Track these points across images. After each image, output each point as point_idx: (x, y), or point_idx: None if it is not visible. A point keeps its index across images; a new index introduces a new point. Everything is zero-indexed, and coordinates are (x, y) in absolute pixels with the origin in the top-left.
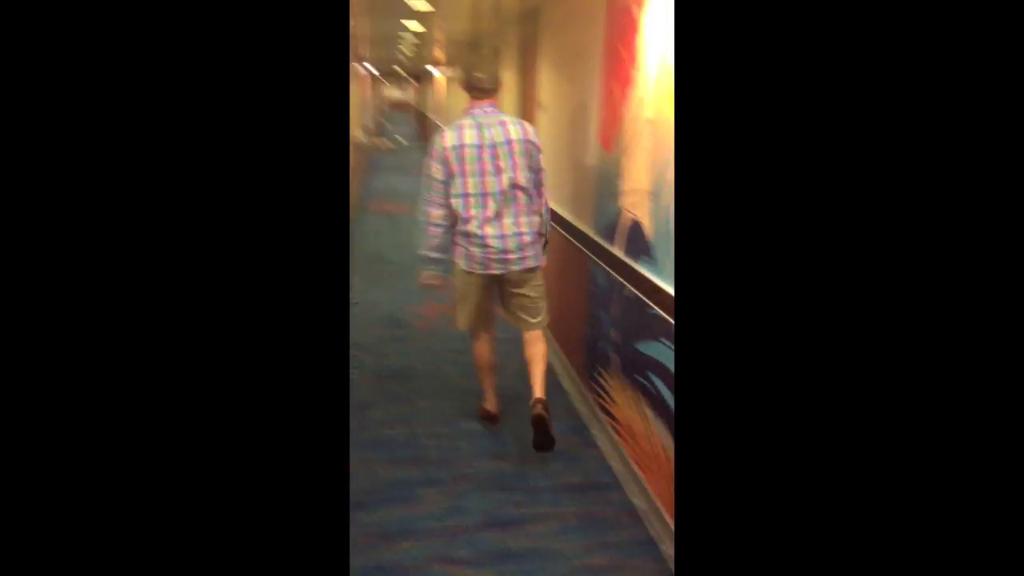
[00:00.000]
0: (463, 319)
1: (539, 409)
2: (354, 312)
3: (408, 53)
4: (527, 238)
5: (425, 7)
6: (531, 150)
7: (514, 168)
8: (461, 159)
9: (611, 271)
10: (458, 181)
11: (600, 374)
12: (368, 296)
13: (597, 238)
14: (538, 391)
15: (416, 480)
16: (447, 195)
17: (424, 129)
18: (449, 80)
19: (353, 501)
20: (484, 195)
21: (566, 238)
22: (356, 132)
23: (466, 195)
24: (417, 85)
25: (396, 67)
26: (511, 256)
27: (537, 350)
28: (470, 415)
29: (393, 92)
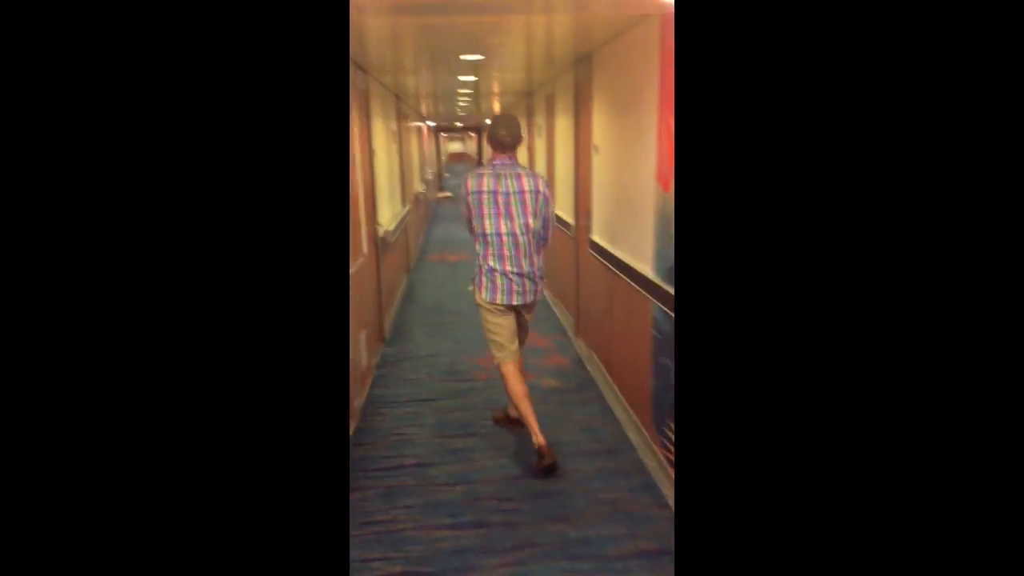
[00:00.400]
0: (500, 353)
1: (550, 460)
2: (415, 365)
3: (464, 106)
4: (537, 274)
5: (477, 57)
6: (540, 199)
7: (524, 214)
8: (480, 203)
9: (675, 316)
10: (477, 222)
11: (669, 427)
12: (428, 347)
13: (658, 281)
14: (541, 437)
15: (477, 547)
16: (470, 227)
17: None
18: None
19: (410, 571)
20: (499, 235)
21: (625, 281)
22: (417, 184)
23: (485, 234)
24: (475, 137)
25: (456, 122)
26: (527, 289)
27: (525, 388)
28: (533, 474)
29: (453, 145)
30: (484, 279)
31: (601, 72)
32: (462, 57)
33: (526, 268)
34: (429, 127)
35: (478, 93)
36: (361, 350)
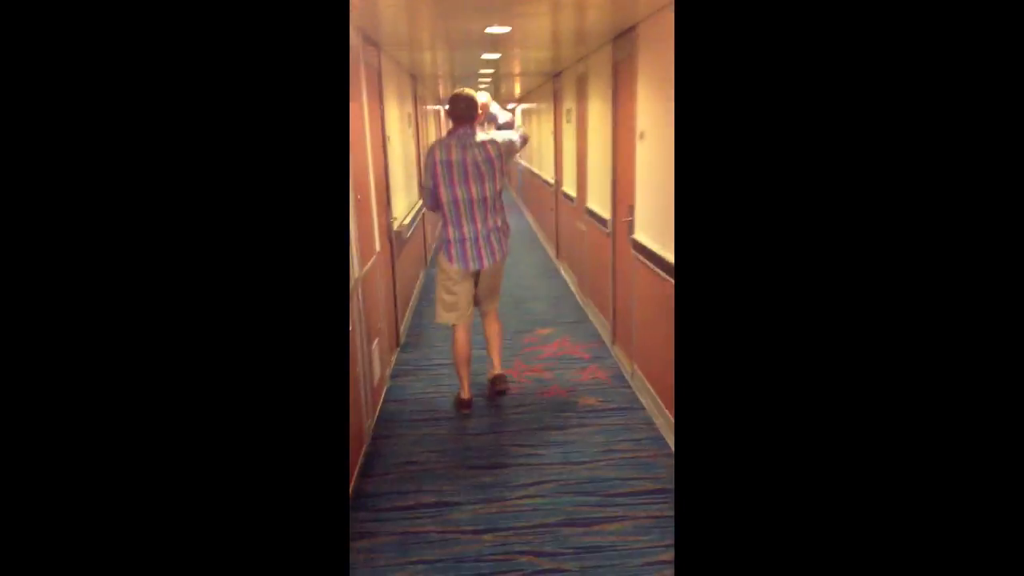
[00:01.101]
0: (448, 315)
1: (502, 384)
2: (433, 375)
3: (484, 89)
4: (501, 233)
5: (503, 30)
6: (499, 159)
7: (492, 179)
8: (449, 172)
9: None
10: (446, 190)
11: None
12: (448, 353)
13: None
14: (498, 365)
15: None
16: (432, 197)
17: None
18: (525, 114)
19: None
20: (470, 201)
21: (668, 280)
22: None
23: (455, 201)
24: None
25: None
26: (494, 249)
27: (494, 329)
28: (584, 521)
29: None
30: (454, 246)
31: (648, 48)
32: (487, 30)
33: (492, 226)
34: (447, 111)
35: (499, 75)
36: (373, 361)
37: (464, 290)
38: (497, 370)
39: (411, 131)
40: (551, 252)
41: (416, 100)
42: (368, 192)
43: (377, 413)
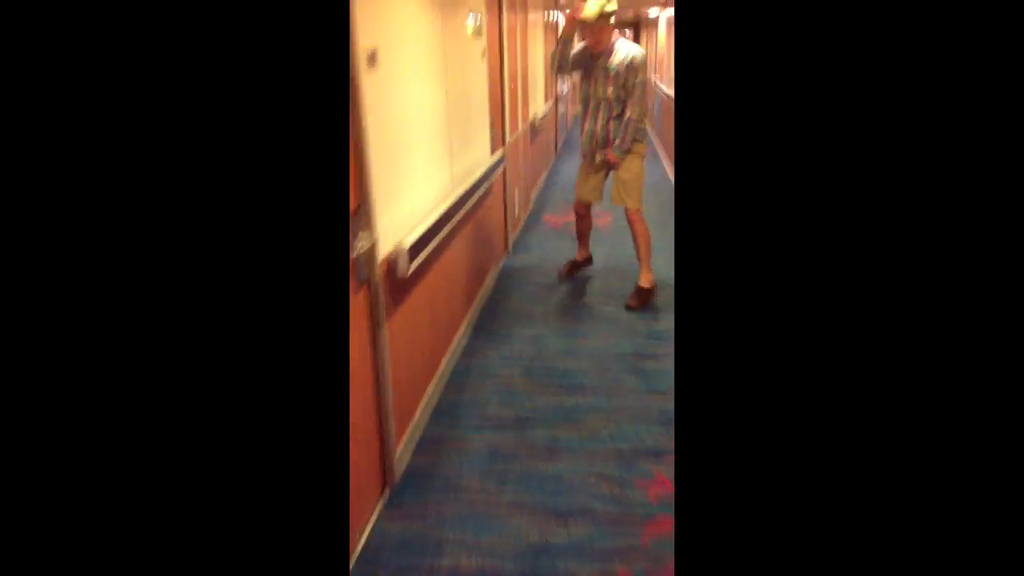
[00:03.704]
0: (578, 190)
1: (634, 301)
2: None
3: None
4: (611, 136)
5: None
6: (624, 72)
7: (609, 85)
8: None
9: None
10: (583, 88)
11: None
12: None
13: None
14: (643, 277)
15: None
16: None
17: None
18: (670, 23)
19: None
20: (596, 100)
21: None
22: (538, 104)
23: (586, 98)
24: (630, 33)
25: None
26: (606, 144)
27: (635, 230)
28: None
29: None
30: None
31: None
32: None
33: (600, 127)
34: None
35: None
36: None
37: (582, 173)
38: (641, 281)
39: (480, 49)
40: None
41: (499, 4)
42: None
43: None
